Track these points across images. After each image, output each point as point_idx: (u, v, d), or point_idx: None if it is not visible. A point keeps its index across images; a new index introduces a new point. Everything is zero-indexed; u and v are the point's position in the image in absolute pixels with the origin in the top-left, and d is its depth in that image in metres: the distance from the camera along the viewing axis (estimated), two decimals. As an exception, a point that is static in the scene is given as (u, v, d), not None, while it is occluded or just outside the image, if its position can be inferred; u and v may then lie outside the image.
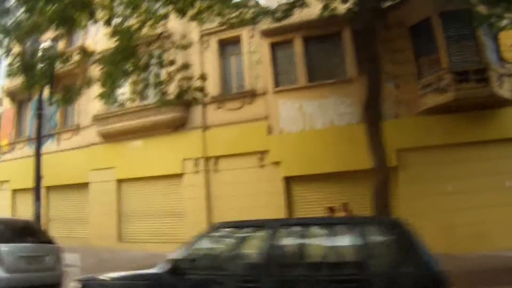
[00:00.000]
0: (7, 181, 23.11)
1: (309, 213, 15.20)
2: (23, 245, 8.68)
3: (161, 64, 13.71)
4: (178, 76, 13.75)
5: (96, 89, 18.99)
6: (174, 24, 16.62)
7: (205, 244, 5.96)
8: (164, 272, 5.55)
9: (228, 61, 18.01)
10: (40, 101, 14.01)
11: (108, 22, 12.29)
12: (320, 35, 16.35)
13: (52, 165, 19.66)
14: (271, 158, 16.04)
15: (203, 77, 14.00)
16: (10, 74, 12.40)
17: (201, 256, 5.88)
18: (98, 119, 18.87)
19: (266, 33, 16.76)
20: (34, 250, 8.83)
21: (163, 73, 14.07)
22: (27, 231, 9.47)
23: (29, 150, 22.24)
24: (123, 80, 12.88)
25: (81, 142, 20.06)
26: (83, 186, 19.42)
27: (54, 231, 16.47)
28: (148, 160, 17.67)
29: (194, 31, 17.80)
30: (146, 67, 13.36)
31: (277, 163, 15.92)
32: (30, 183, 21.20)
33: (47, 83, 12.01)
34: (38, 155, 14.42)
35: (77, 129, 20.57)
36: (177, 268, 5.50)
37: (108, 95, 12.79)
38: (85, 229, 18.84)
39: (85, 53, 12.72)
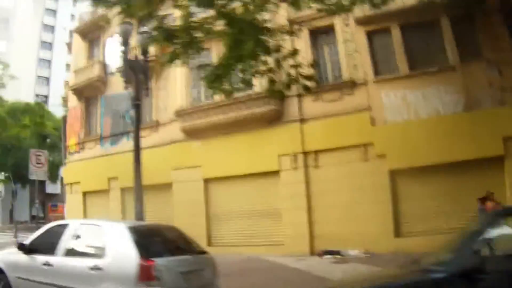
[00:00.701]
0: (77, 183, 22.33)
1: (416, 208, 14.24)
2: (181, 258, 7.01)
3: (267, 50, 12.66)
4: (286, 63, 12.72)
5: (177, 82, 18.38)
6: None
7: (495, 234, 4.63)
8: (446, 275, 4.28)
9: (321, 51, 16.92)
10: (137, 90, 12.74)
11: (210, 4, 11.46)
12: (418, 23, 15.21)
13: (128, 165, 18.88)
14: (375, 150, 14.94)
15: (313, 64, 12.95)
16: (154, 40, 11.33)
17: (496, 248, 4.62)
18: (181, 114, 17.91)
19: (361, 21, 15.74)
20: (193, 264, 7.17)
21: (270, 61, 13.00)
22: (178, 240, 7.81)
23: (100, 149, 21.52)
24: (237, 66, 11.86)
25: (161, 139, 19.03)
26: (165, 186, 18.41)
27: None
28: (239, 157, 16.61)
29: (281, 19, 16.72)
30: (253, 54, 12.35)
31: (382, 156, 14.79)
32: (103, 184, 20.56)
33: (191, 55, 10.81)
34: (137, 150, 13.25)
35: (156, 125, 19.59)
36: (470, 268, 4.19)
37: (220, 82, 11.77)
38: (170, 231, 17.86)
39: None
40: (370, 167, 14.94)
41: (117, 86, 21.67)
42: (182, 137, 18.28)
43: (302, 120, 16.11)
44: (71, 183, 22.99)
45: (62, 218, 22.78)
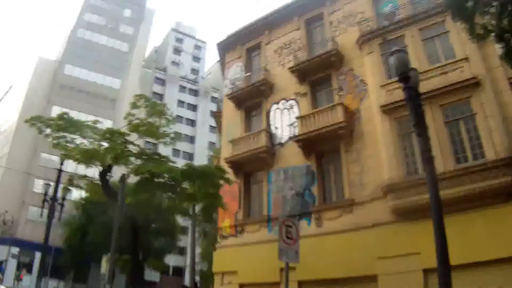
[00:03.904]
0: (233, 272, 19.20)
1: None
2: None
3: None
4: None
5: (383, 150, 15.45)
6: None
7: None
8: None
9: None
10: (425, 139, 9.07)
11: None
12: None
13: (308, 254, 15.89)
14: None
15: None
16: None
17: None
18: (393, 190, 14.88)
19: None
20: None
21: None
22: None
23: (268, 233, 18.57)
24: None
25: (357, 222, 15.98)
26: (365, 280, 15.02)
27: None
28: (471, 239, 13.11)
29: None
30: None
31: None
32: (272, 275, 16.94)
33: None
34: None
35: (350, 205, 16.62)
36: None
37: None
38: None
39: None
40: None
41: (289, 158, 19.29)
42: (389, 218, 15.09)
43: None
44: (223, 272, 19.93)
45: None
